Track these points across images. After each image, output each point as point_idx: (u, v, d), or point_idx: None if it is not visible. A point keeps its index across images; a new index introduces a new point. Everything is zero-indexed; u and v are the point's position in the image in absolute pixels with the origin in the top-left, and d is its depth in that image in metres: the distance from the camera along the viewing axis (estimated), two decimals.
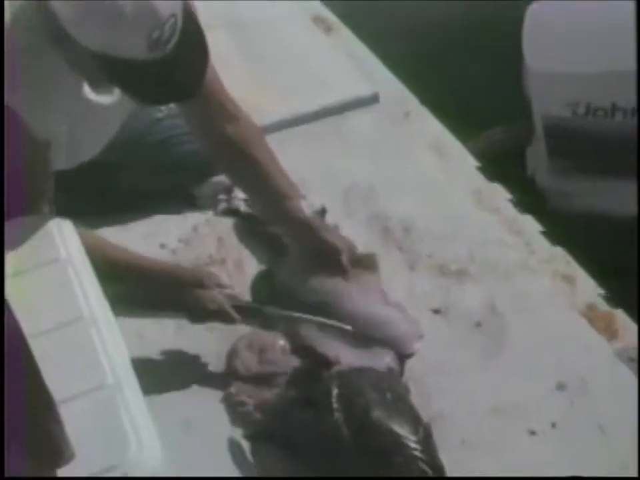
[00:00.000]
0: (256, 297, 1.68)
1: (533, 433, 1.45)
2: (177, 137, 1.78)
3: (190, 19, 1.26)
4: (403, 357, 1.55)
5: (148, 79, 1.24)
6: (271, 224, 1.75)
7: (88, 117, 1.45)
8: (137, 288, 1.54)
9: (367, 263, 1.70)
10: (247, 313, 1.57)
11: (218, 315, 1.54)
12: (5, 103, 1.22)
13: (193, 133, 1.69)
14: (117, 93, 1.49)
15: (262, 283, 1.71)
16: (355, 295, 1.63)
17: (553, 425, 1.46)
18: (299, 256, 1.69)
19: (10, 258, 1.16)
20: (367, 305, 1.62)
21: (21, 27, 1.27)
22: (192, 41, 1.26)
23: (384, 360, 1.52)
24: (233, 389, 1.48)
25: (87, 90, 1.42)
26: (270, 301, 1.63)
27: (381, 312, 1.62)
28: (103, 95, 1.46)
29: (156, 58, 1.21)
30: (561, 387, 1.53)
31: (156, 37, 1.19)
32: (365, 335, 1.56)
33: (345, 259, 1.63)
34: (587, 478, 1.33)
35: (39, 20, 1.26)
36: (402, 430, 1.34)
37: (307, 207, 1.67)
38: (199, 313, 1.54)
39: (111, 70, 1.24)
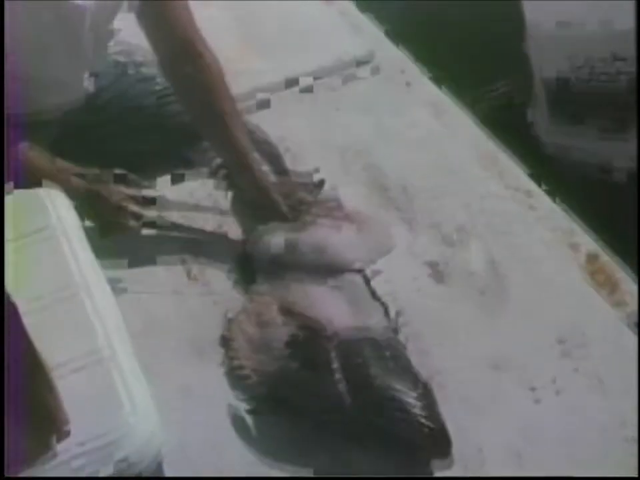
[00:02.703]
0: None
1: (533, 389, 1.45)
2: (170, 96, 1.77)
3: None
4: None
5: None
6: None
7: (62, 22, 1.41)
8: None
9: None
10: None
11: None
12: None
13: (159, 69, 1.69)
14: None
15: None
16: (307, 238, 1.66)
17: (553, 381, 1.46)
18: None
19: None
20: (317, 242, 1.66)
21: None
22: None
23: (376, 318, 1.52)
24: (231, 352, 1.48)
25: None
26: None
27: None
28: None
29: None
30: (561, 341, 1.53)
31: None
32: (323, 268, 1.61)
33: (283, 207, 1.68)
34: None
35: None
36: (401, 386, 1.35)
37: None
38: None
39: None
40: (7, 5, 1.19)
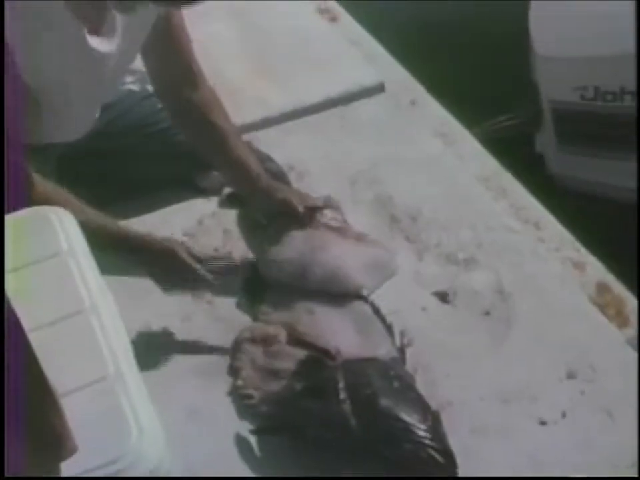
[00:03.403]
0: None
1: (543, 422, 1.44)
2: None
3: None
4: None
5: None
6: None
7: (85, 65, 1.41)
8: (109, 253, 1.48)
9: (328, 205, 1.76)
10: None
11: (191, 283, 1.53)
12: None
13: (157, 96, 1.71)
14: (115, 41, 1.46)
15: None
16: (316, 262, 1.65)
17: (563, 415, 1.44)
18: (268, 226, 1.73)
19: (11, 250, 1.16)
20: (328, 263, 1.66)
21: None
22: None
23: (385, 348, 1.50)
24: (239, 381, 1.47)
25: (87, 37, 1.38)
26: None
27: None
28: (102, 42, 1.42)
29: None
30: (571, 374, 1.51)
31: None
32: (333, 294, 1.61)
33: (300, 209, 1.68)
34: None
35: None
36: (410, 417, 1.33)
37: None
38: (172, 281, 1.53)
39: None
40: (31, 39, 1.21)
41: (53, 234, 1.23)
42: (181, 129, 1.74)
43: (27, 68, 1.25)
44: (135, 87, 1.83)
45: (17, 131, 1.15)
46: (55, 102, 1.37)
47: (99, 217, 1.47)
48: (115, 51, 1.46)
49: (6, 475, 0.85)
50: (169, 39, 1.59)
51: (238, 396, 1.46)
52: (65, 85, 1.38)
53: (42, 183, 1.38)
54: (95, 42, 1.39)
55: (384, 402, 1.36)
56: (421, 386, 1.45)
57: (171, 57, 1.61)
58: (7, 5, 1.12)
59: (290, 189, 1.79)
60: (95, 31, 1.39)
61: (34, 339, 0.90)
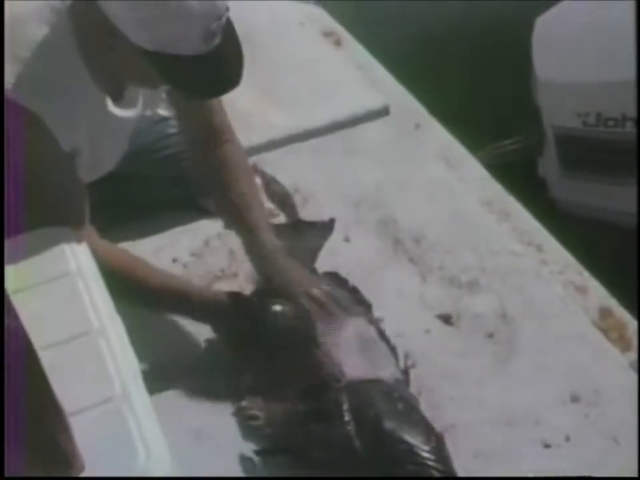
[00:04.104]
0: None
1: (547, 445, 1.44)
2: (187, 152, 1.79)
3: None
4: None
5: (199, 73, 1.25)
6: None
7: (110, 130, 1.46)
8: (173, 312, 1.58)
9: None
10: None
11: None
12: (32, 110, 1.24)
13: (189, 147, 1.72)
14: (138, 107, 1.51)
15: None
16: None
17: (567, 439, 1.44)
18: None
19: (21, 271, 1.18)
20: None
21: (52, 38, 1.28)
22: (230, 33, 1.28)
23: (389, 370, 1.51)
24: (244, 402, 1.47)
25: (109, 104, 1.43)
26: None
27: None
28: (125, 109, 1.47)
29: (207, 52, 1.23)
30: (574, 398, 1.51)
31: (212, 30, 1.21)
32: None
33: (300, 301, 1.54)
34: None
35: (74, 27, 1.27)
36: (414, 439, 1.33)
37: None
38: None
39: (162, 67, 1.25)
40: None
41: (63, 254, 1.25)
42: (202, 178, 1.73)
43: (59, 134, 1.30)
44: (146, 112, 1.85)
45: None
46: (83, 157, 1.41)
47: (163, 276, 1.54)
48: (136, 115, 1.52)
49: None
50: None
51: (243, 417, 1.46)
52: (92, 144, 1.42)
53: (103, 242, 1.43)
54: (117, 110, 1.44)
55: (388, 424, 1.36)
56: (424, 408, 1.45)
57: (200, 115, 1.61)
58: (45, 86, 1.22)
59: (297, 271, 1.61)
60: (118, 98, 1.44)
61: (43, 359, 0.91)
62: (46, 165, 1.29)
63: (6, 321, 0.86)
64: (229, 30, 1.27)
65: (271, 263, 1.59)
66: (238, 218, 1.64)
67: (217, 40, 1.24)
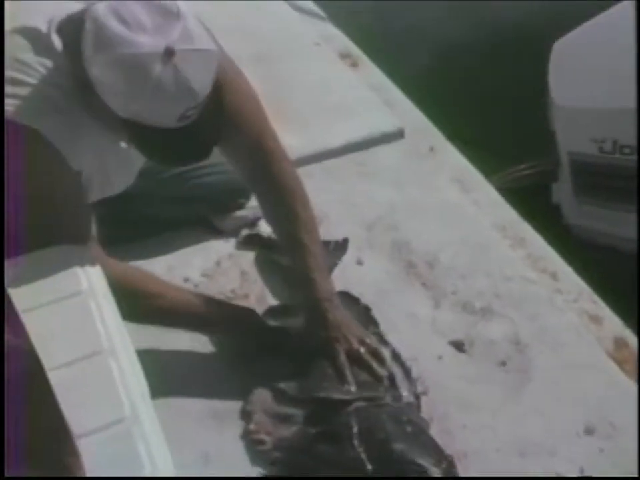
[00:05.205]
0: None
1: (560, 478, 1.41)
2: (191, 171, 1.78)
3: (216, 88, 1.26)
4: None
5: (171, 145, 1.26)
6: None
7: (118, 157, 1.46)
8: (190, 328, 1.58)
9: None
10: None
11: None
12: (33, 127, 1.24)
13: (229, 159, 1.67)
14: None
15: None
16: None
17: (581, 471, 1.42)
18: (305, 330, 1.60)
19: (32, 289, 1.17)
20: None
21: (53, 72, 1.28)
22: (210, 110, 1.27)
23: (401, 394, 1.50)
24: (252, 426, 1.46)
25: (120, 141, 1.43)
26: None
27: None
28: None
29: (181, 127, 1.23)
30: (589, 430, 1.49)
31: (187, 114, 1.22)
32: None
33: (342, 357, 1.51)
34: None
35: (71, 78, 1.27)
36: (425, 461, 1.33)
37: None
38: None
39: (135, 134, 1.27)
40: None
41: (74, 274, 1.24)
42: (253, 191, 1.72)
43: (65, 152, 1.30)
44: None
45: None
46: (92, 179, 1.42)
47: (179, 291, 1.55)
48: None
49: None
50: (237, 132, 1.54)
51: (250, 441, 1.45)
52: (101, 170, 1.43)
53: (110, 260, 1.41)
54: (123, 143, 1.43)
55: (398, 446, 1.35)
56: (436, 436, 1.43)
57: (242, 124, 1.55)
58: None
59: (346, 324, 1.56)
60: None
61: (52, 379, 0.90)
62: (50, 179, 1.28)
63: (6, 337, 0.85)
64: (211, 104, 1.26)
65: (322, 314, 1.55)
66: (300, 256, 1.58)
67: (192, 118, 1.23)
